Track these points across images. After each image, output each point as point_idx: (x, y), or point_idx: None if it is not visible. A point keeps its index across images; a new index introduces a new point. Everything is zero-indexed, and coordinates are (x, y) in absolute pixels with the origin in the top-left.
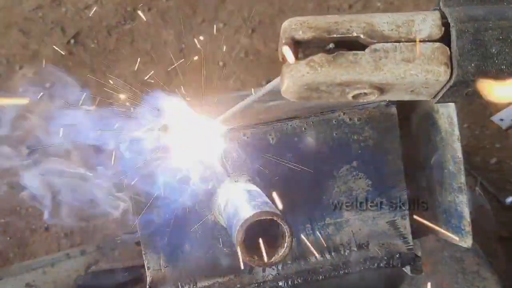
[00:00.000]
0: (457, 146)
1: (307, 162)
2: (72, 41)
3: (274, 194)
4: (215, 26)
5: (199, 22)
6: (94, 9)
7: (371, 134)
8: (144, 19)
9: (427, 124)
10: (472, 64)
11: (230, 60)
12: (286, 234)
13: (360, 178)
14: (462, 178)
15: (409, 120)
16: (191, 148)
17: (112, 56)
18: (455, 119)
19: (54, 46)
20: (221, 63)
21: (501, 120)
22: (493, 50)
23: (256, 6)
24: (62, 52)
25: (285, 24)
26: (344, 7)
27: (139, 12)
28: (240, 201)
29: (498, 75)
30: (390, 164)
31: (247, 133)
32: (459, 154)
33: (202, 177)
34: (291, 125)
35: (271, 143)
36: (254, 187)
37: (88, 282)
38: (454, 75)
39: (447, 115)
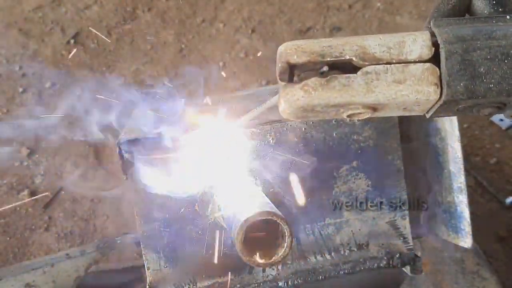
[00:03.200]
0: (457, 146)
1: (306, 162)
2: (72, 41)
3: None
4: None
5: (199, 22)
6: (94, 9)
7: (371, 134)
8: (144, 19)
9: (427, 124)
10: (461, 84)
11: (230, 60)
12: (286, 234)
13: (360, 178)
14: (462, 178)
15: (409, 120)
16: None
17: (112, 56)
18: (455, 119)
19: (54, 46)
20: (221, 63)
21: (501, 120)
22: (482, 70)
23: (256, 6)
24: (62, 52)
25: (281, 48)
26: (344, 7)
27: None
28: (240, 201)
29: (487, 93)
30: (390, 164)
31: (247, 133)
32: (459, 154)
33: (206, 176)
34: (291, 125)
35: (271, 143)
36: (254, 187)
37: (88, 282)
38: (444, 95)
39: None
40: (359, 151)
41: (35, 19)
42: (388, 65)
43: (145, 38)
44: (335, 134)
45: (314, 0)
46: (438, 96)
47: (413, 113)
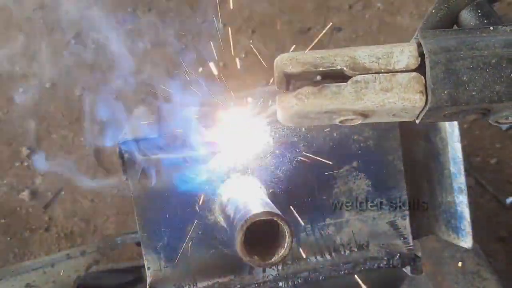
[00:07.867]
0: (457, 146)
1: (307, 162)
2: (72, 41)
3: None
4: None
5: (199, 22)
6: (94, 9)
7: (371, 134)
8: (144, 19)
9: (427, 124)
10: (445, 92)
11: (231, 60)
12: (286, 234)
13: (360, 178)
14: (462, 179)
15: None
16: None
17: (113, 56)
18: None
19: (54, 46)
20: (221, 63)
21: None
22: (465, 78)
23: (256, 7)
24: (62, 52)
25: (277, 59)
26: (344, 8)
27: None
28: (241, 201)
29: (470, 101)
30: (390, 164)
31: (253, 133)
32: (459, 154)
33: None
34: (291, 125)
35: (272, 143)
36: (254, 187)
37: (88, 282)
38: (429, 102)
39: None
40: (359, 151)
41: (35, 19)
42: (377, 75)
43: (145, 38)
44: (335, 134)
45: (314, 0)
46: (424, 103)
47: (403, 119)
